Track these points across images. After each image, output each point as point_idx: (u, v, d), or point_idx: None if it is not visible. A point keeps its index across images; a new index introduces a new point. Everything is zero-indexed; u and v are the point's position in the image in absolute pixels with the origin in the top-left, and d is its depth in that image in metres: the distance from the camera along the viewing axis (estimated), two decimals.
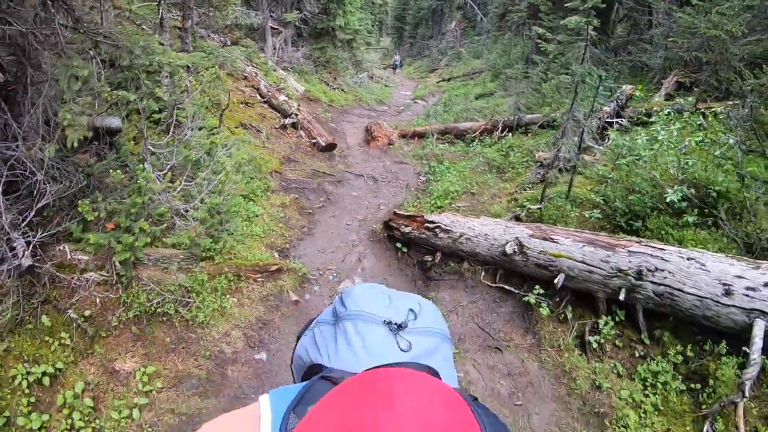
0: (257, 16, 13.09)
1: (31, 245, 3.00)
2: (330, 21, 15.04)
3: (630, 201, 4.95)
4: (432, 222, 5.21)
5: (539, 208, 5.60)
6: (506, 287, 4.47)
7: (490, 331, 4.09)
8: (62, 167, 3.39)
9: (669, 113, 5.20)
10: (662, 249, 3.64)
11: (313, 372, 1.00)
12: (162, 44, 3.86)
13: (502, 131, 9.51)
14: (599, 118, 7.67)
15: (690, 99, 6.44)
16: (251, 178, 6.01)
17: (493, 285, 4.56)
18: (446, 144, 10.16)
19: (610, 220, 5.08)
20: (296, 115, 9.20)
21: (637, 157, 4.93)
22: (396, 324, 1.02)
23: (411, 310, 1.08)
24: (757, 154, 5.71)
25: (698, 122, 5.29)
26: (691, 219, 4.39)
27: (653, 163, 4.81)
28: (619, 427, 3.06)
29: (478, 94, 15.77)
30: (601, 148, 6.81)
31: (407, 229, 5.48)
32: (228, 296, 4.07)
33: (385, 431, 0.50)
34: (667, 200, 4.34)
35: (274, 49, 13.49)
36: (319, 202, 7.03)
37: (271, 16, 13.46)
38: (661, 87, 9.45)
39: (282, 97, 9.43)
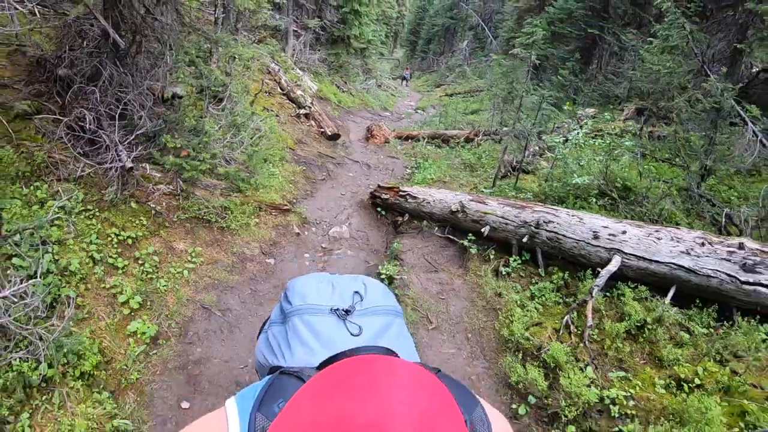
0: (281, 19, 14.80)
1: (131, 157, 4.60)
2: (346, 30, 16.80)
3: (554, 187, 6.59)
4: (404, 191, 6.83)
5: (490, 192, 7.22)
6: (451, 237, 6.08)
7: (434, 264, 5.69)
8: (152, 112, 5.01)
9: (584, 125, 6.84)
10: (555, 209, 5.27)
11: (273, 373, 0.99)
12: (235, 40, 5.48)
13: (481, 140, 11.16)
14: (560, 134, 9.33)
15: (607, 115, 8.13)
16: (273, 147, 7.64)
17: (442, 236, 6.18)
18: (434, 146, 11.79)
19: (542, 202, 6.70)
20: (309, 107, 10.88)
21: (561, 156, 6.56)
22: (343, 310, 1.06)
23: (356, 292, 1.12)
24: (674, 164, 7.40)
25: (613, 134, 6.94)
26: (595, 200, 6.02)
27: (571, 159, 6.43)
28: (507, 317, 4.62)
29: (473, 110, 17.46)
30: (552, 154, 8.45)
31: (386, 197, 7.10)
32: (252, 218, 5.68)
33: (364, 426, 0.50)
34: (572, 182, 5.96)
35: (294, 50, 15.19)
36: (321, 176, 8.66)
37: (294, 20, 15.18)
38: (623, 112, 11.16)
39: (299, 92, 11.11)
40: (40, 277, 3.36)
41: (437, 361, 4.15)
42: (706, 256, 4.30)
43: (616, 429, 3.31)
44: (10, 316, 2.90)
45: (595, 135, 7.78)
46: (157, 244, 4.65)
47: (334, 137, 10.70)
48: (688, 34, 7.30)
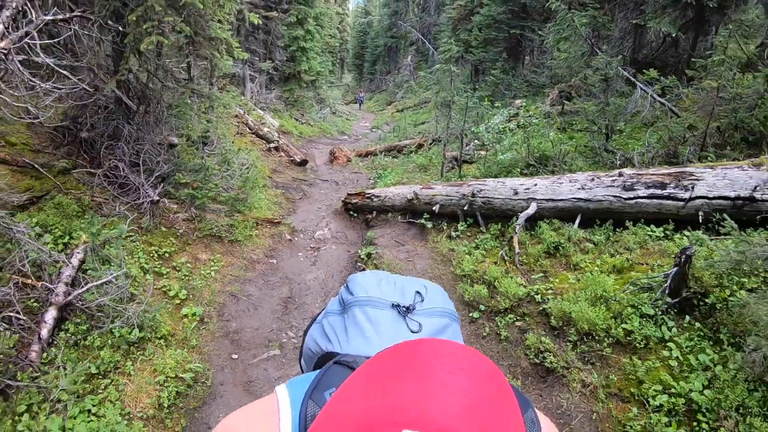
0: (236, 66, 16.46)
1: (157, 192, 6.11)
2: (296, 66, 18.56)
3: (489, 168, 8.31)
4: (369, 193, 8.48)
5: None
6: (411, 221, 7.72)
7: (401, 241, 7.30)
8: (165, 158, 6.54)
9: (505, 111, 8.63)
10: (485, 180, 6.99)
11: (325, 361, 1.03)
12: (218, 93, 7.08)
13: (430, 144, 12.93)
14: (489, 126, 11.16)
15: (526, 101, 9.94)
16: (257, 176, 9.21)
17: (404, 221, 7.82)
18: (390, 158, 13.53)
19: None
20: (278, 141, 12.49)
21: (488, 141, 8.31)
22: (404, 307, 1.10)
23: (417, 292, 1.16)
24: (589, 131, 9.20)
25: (527, 116, 8.74)
26: (519, 171, 7.74)
27: (497, 143, 8.18)
28: (459, 262, 6.19)
29: (423, 121, 19.35)
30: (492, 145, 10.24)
31: (355, 201, 8.72)
32: (253, 231, 7.22)
33: (427, 411, 0.50)
34: (499, 159, 7.68)
35: (252, 92, 16.85)
36: (299, 195, 10.23)
37: (248, 65, 16.85)
38: (548, 97, 13.08)
39: (265, 129, 12.75)
40: (125, 269, 4.84)
41: None
42: (597, 188, 6.00)
43: (541, 308, 4.88)
44: (108, 296, 4.38)
45: (518, 121, 9.57)
46: (186, 256, 6.15)
47: (303, 163, 12.32)
48: (576, 26, 9.19)
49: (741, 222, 4.51)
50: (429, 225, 7.33)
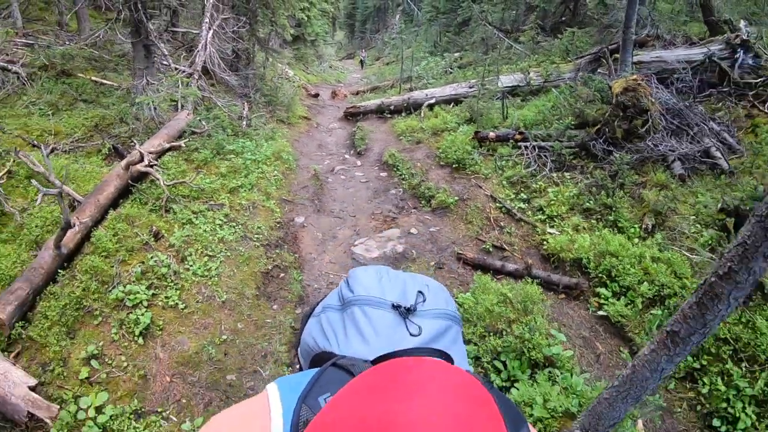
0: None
1: (258, 94, 14.49)
2: (302, 30, 26.74)
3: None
4: (359, 106, 17.00)
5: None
6: (379, 116, 16.22)
7: (373, 124, 15.80)
8: (256, 80, 14.93)
9: (435, 58, 17.02)
10: (413, 92, 15.47)
11: (321, 359, 1.12)
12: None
13: (398, 83, 21.30)
14: (422, 66, 19.54)
15: (462, 54, 18.41)
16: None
17: (376, 117, 16.30)
18: (373, 94, 21.94)
19: None
20: (299, 81, 20.85)
21: (424, 75, 16.73)
22: (405, 308, 1.15)
23: (420, 292, 1.22)
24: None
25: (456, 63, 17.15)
26: None
27: (429, 75, 16.63)
28: (398, 126, 14.59)
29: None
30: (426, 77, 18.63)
31: (351, 110, 17.19)
32: (298, 120, 15.71)
33: (406, 426, 0.55)
34: (429, 83, 16.13)
35: None
36: (316, 111, 18.68)
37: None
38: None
39: (290, 74, 21.07)
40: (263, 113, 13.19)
41: (384, 140, 14.15)
42: (461, 89, 14.67)
43: (422, 128, 13.33)
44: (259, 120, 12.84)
45: (448, 64, 18.03)
46: (271, 125, 14.52)
47: (316, 96, 20.76)
48: (474, 9, 17.45)
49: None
50: (388, 116, 15.81)
